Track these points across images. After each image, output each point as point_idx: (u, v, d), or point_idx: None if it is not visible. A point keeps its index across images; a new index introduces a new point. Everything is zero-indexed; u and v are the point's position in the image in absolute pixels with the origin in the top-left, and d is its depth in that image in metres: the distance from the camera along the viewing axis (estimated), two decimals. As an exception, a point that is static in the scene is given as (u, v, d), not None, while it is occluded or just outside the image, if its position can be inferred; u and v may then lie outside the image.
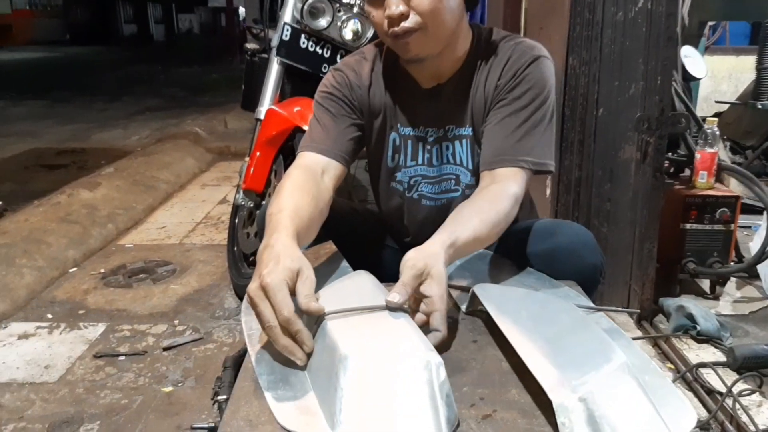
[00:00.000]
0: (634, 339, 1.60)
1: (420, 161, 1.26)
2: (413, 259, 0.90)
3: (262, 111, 2.10)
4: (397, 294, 0.86)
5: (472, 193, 1.13)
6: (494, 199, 1.07)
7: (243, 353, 1.60)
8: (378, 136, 1.27)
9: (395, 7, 1.06)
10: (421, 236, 1.23)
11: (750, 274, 2.01)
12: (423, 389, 0.72)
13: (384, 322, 0.85)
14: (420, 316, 0.89)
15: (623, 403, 0.72)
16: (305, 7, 2.06)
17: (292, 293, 0.85)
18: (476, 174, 1.19)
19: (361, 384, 0.72)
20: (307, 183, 1.11)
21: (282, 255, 0.88)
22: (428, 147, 1.24)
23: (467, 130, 1.22)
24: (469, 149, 1.22)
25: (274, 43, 2.11)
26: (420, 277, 0.89)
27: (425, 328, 0.87)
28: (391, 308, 0.86)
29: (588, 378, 0.74)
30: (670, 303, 1.77)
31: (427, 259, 0.90)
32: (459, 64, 1.20)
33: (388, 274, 1.13)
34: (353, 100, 1.24)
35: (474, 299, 1.00)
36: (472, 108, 1.20)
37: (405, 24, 1.07)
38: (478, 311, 1.01)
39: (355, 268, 1.11)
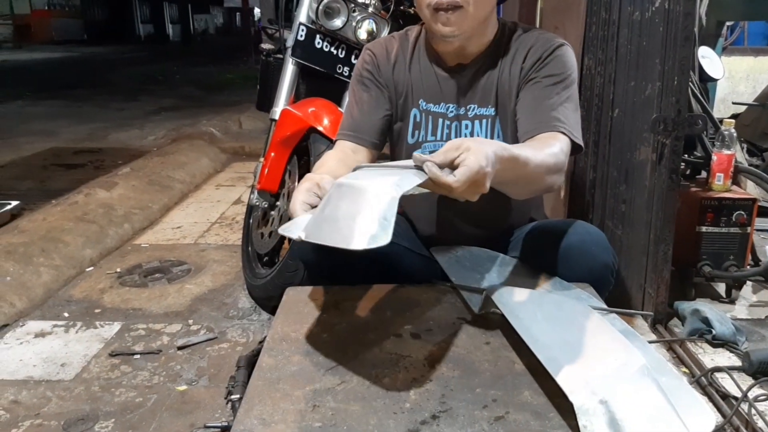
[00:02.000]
0: (648, 343, 1.60)
1: (439, 137, 1.31)
2: (456, 140, 0.90)
3: (276, 111, 2.11)
4: (430, 159, 0.86)
5: None
6: (545, 143, 1.10)
7: (257, 353, 1.61)
8: (401, 111, 1.34)
9: None
10: (444, 222, 1.26)
11: (766, 278, 1.99)
12: (369, 209, 0.80)
13: (394, 171, 0.91)
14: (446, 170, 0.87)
15: (643, 405, 0.72)
16: (320, 8, 2.07)
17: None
18: None
19: (332, 200, 0.86)
20: (343, 159, 1.25)
21: (305, 179, 1.03)
22: (447, 123, 1.30)
23: (490, 110, 1.27)
24: (489, 129, 1.28)
25: (289, 43, 2.12)
26: (459, 149, 0.86)
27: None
28: (417, 165, 0.87)
29: (608, 380, 0.74)
30: (685, 306, 1.75)
31: (471, 140, 0.88)
32: (484, 48, 1.27)
33: (404, 276, 1.14)
34: (379, 77, 1.33)
35: (487, 301, 1.00)
36: (497, 89, 1.26)
37: None
38: (491, 313, 1.01)
39: (368, 270, 1.13)
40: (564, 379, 0.73)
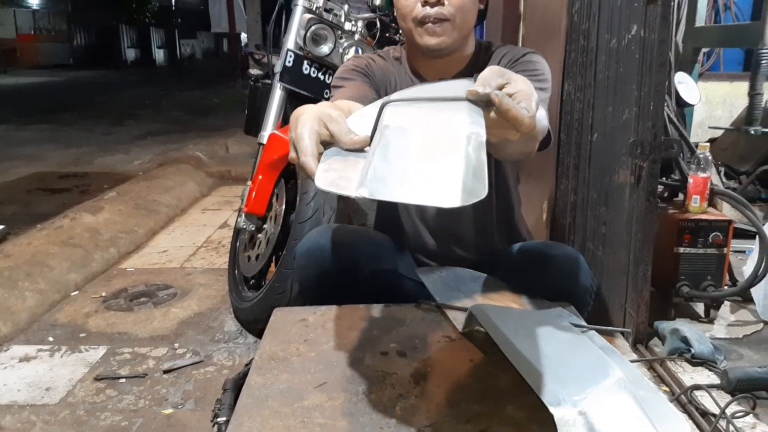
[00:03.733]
0: (627, 360, 1.63)
1: None
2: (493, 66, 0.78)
3: (264, 135, 2.14)
4: (479, 86, 0.73)
5: None
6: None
7: (243, 376, 1.62)
8: None
9: None
10: (422, 232, 1.28)
11: (744, 298, 2.03)
12: (458, 153, 0.65)
13: (444, 106, 0.75)
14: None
15: (621, 416, 0.75)
16: (308, 34, 2.12)
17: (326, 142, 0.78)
18: None
19: (394, 146, 0.68)
20: (335, 107, 1.10)
21: (306, 110, 0.83)
22: None
23: None
24: None
25: (277, 69, 2.16)
26: (504, 74, 0.75)
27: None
28: (471, 100, 0.73)
29: (587, 393, 0.76)
30: (665, 326, 1.79)
31: (511, 72, 0.78)
32: (463, 64, 1.32)
33: (394, 298, 1.17)
34: (373, 78, 1.34)
35: (471, 319, 1.02)
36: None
37: (440, 9, 1.19)
38: (474, 331, 1.04)
39: (361, 292, 1.15)
40: (544, 393, 0.75)
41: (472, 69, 1.31)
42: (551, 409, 0.73)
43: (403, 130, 0.68)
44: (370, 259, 1.24)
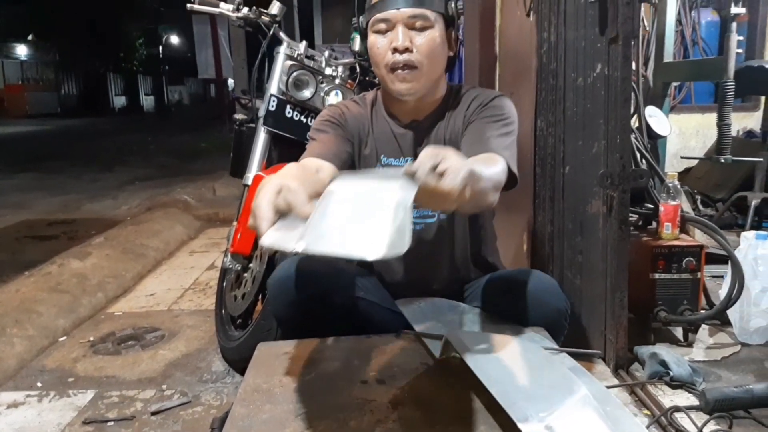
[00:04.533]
0: (610, 387, 1.66)
1: None
2: (429, 148, 0.89)
3: (249, 177, 2.20)
4: (414, 167, 0.83)
5: (445, 218, 1.25)
6: (489, 159, 1.16)
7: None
8: (364, 165, 1.42)
9: (402, 39, 1.26)
10: (406, 266, 1.33)
11: (722, 321, 2.08)
12: (386, 215, 0.74)
13: (383, 179, 0.84)
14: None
15: (585, 429, 0.79)
16: (290, 80, 2.20)
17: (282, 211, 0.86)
18: None
19: (332, 209, 0.78)
20: (301, 170, 1.19)
21: (266, 180, 0.90)
22: None
23: None
24: None
25: (261, 113, 2.23)
26: (438, 156, 0.85)
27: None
28: (407, 174, 0.83)
29: (553, 409, 0.81)
30: (644, 351, 1.83)
31: (440, 148, 0.88)
32: (435, 106, 1.40)
33: (374, 329, 1.21)
34: (346, 127, 1.41)
35: (447, 346, 1.07)
36: (445, 140, 1.37)
37: (408, 56, 1.26)
38: (451, 357, 1.08)
39: (340, 324, 1.19)
40: (514, 410, 0.80)
41: (443, 111, 1.39)
42: (520, 425, 0.77)
43: (342, 195, 0.79)
44: (338, 287, 1.28)
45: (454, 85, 1.46)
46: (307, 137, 1.41)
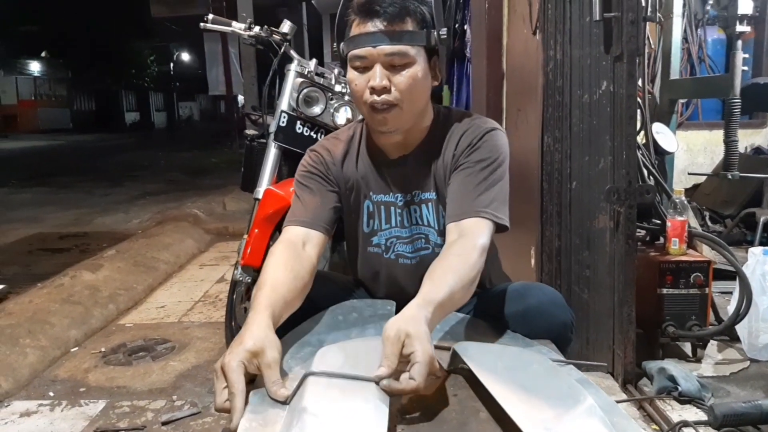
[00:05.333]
0: (619, 402, 1.67)
1: (394, 223, 1.37)
2: (391, 329, 0.94)
3: (260, 191, 2.23)
4: (384, 368, 0.91)
5: (441, 249, 1.23)
6: (463, 253, 1.15)
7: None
8: (353, 205, 1.39)
9: (380, 79, 1.19)
10: (401, 297, 1.32)
11: (731, 337, 2.08)
12: None
13: (357, 392, 0.90)
14: (404, 375, 0.92)
15: None
16: (300, 96, 2.24)
17: (252, 375, 0.94)
18: (443, 234, 1.29)
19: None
20: (289, 259, 1.20)
21: (246, 336, 0.96)
22: (399, 210, 1.36)
23: (431, 194, 1.34)
24: (434, 211, 1.34)
25: (272, 129, 2.27)
26: (401, 341, 0.92)
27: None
28: (378, 382, 0.90)
29: (560, 419, 0.82)
30: (652, 366, 1.83)
31: (405, 324, 0.95)
32: (422, 136, 1.34)
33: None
34: (329, 175, 1.37)
35: (455, 357, 1.08)
36: (435, 175, 1.33)
37: (386, 97, 1.20)
38: (459, 369, 1.09)
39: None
40: (522, 420, 0.81)
41: (431, 140, 1.33)
42: (527, 435, 0.78)
43: (315, 417, 0.83)
44: (330, 300, 1.28)
45: (442, 109, 1.38)
46: (293, 187, 1.40)
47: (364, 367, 0.95)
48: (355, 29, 1.23)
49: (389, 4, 1.19)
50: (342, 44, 1.28)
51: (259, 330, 0.98)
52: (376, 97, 1.21)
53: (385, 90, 1.20)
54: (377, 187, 1.37)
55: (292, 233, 1.29)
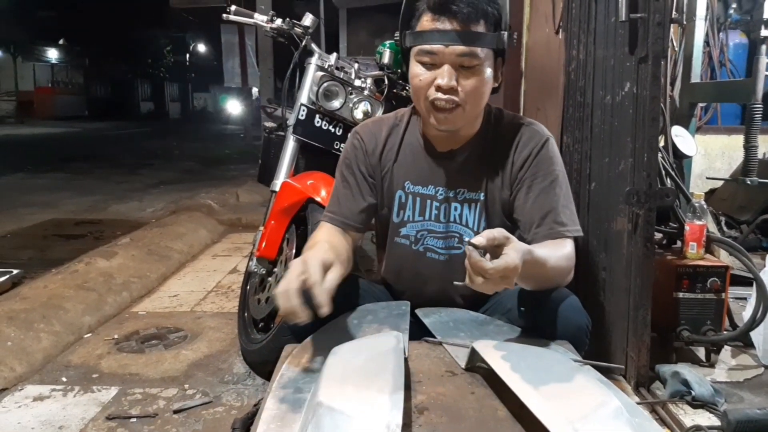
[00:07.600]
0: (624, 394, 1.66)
1: (428, 216, 1.36)
2: (501, 231, 0.98)
3: (277, 184, 2.23)
4: (480, 238, 0.95)
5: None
6: (557, 245, 1.21)
7: (251, 416, 1.66)
8: (387, 193, 1.39)
9: (449, 79, 1.18)
10: (423, 293, 1.32)
11: (745, 343, 2.07)
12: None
13: (372, 388, 0.91)
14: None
15: None
16: (320, 90, 2.24)
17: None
18: None
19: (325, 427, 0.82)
20: (333, 236, 1.30)
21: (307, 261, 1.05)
22: (437, 204, 1.35)
23: (479, 195, 1.33)
24: (477, 213, 1.33)
25: (291, 122, 2.28)
26: (503, 237, 0.97)
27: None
28: (471, 246, 0.95)
29: (587, 419, 0.82)
30: (665, 369, 1.82)
31: (512, 239, 0.98)
32: (473, 132, 1.33)
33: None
34: (367, 165, 1.38)
35: (473, 355, 1.08)
36: (487, 178, 1.33)
37: (452, 96, 1.20)
38: (476, 367, 1.09)
39: None
40: (547, 419, 0.81)
41: (481, 139, 1.33)
42: (554, 433, 0.78)
43: (332, 411, 0.84)
44: (344, 300, 1.27)
45: (493, 109, 1.37)
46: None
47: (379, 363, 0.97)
48: (427, 23, 1.21)
49: (466, 4, 1.18)
50: (406, 33, 1.26)
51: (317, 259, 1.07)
52: (441, 95, 1.20)
53: (452, 90, 1.19)
54: (416, 178, 1.36)
55: (328, 228, 1.35)
